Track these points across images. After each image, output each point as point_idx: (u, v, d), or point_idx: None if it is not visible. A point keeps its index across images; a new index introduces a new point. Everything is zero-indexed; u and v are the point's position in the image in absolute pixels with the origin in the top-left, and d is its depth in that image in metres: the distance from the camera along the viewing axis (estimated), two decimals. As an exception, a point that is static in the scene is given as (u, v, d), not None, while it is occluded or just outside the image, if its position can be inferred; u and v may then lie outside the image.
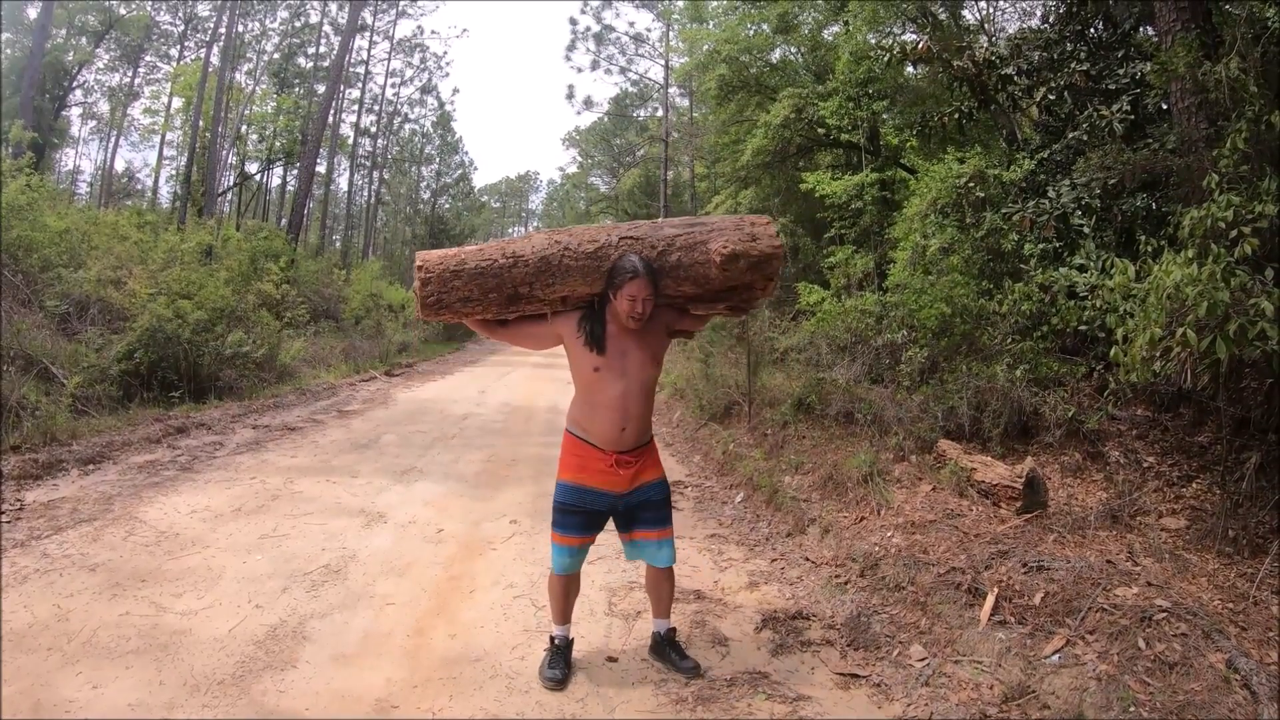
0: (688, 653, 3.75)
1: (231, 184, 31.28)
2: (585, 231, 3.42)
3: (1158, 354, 4.22)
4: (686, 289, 3.42)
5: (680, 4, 27.04)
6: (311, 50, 34.44)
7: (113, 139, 33.86)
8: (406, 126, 44.44)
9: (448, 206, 48.48)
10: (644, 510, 3.55)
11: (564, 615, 3.63)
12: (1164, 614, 3.61)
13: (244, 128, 30.46)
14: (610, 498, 3.49)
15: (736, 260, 3.28)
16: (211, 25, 28.10)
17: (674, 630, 3.78)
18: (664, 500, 3.61)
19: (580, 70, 61.06)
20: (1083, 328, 6.26)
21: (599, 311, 3.40)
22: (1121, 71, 7.75)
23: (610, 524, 3.63)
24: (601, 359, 3.36)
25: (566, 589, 3.61)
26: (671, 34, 29.58)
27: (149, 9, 29.45)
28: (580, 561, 3.59)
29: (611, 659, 3.78)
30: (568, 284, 3.35)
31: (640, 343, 3.41)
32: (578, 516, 3.49)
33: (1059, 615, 3.81)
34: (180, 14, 30.70)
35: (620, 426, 3.41)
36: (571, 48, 33.55)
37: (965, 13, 13.34)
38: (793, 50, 17.21)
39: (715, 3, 21.75)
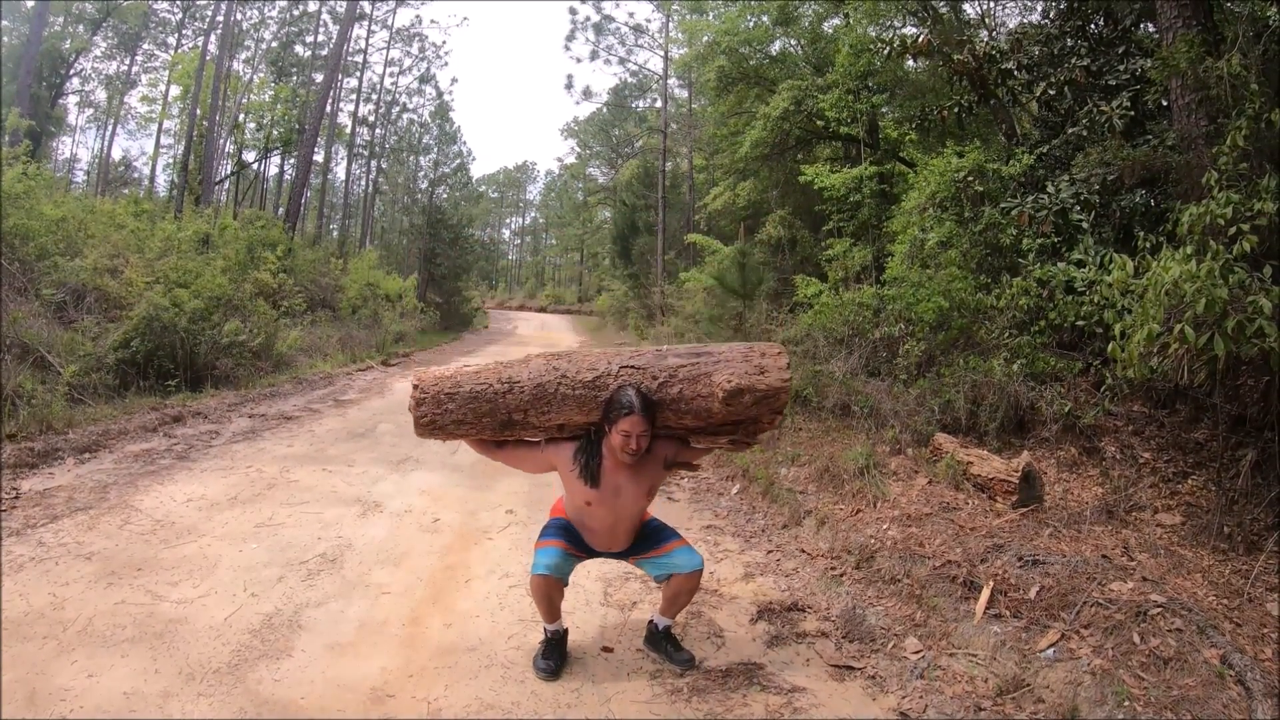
0: (683, 644, 3.75)
1: (229, 173, 31.17)
2: (585, 358, 3.36)
3: (1155, 350, 4.23)
4: (688, 421, 3.34)
5: (680, -5, 26.97)
6: (310, 39, 34.25)
7: (110, 127, 33.67)
8: (404, 116, 44.24)
9: (445, 196, 48.27)
10: (647, 541, 3.61)
11: (551, 615, 3.59)
12: (1159, 609, 3.62)
13: (242, 116, 30.34)
14: (602, 552, 3.63)
15: (741, 395, 3.18)
16: (209, 13, 27.98)
17: (672, 625, 3.78)
18: (660, 525, 3.69)
19: (579, 60, 60.97)
20: (1080, 323, 6.26)
21: (595, 443, 3.36)
22: (1122, 68, 7.74)
23: None
24: (594, 493, 3.36)
25: (548, 590, 3.48)
26: (671, 25, 29.43)
27: (146, -3, 29.33)
28: (566, 569, 3.50)
29: (607, 649, 3.79)
30: (563, 413, 3.31)
31: (635, 477, 3.38)
32: (567, 532, 3.55)
33: (1054, 609, 3.82)
34: (178, 2, 30.56)
35: (607, 545, 3.56)
36: (571, 38, 33.40)
37: (966, 7, 13.33)
38: (792, 43, 17.17)
39: (715, -5, 21.70)
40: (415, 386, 3.39)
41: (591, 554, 3.63)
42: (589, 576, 4.60)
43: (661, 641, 3.72)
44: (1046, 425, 6.22)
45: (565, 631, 3.69)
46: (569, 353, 3.43)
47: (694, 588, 3.65)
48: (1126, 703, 3.09)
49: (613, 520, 3.44)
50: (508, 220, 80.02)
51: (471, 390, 3.30)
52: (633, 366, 3.28)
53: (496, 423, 3.35)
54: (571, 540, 3.53)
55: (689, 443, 3.56)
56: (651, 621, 3.78)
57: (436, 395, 3.34)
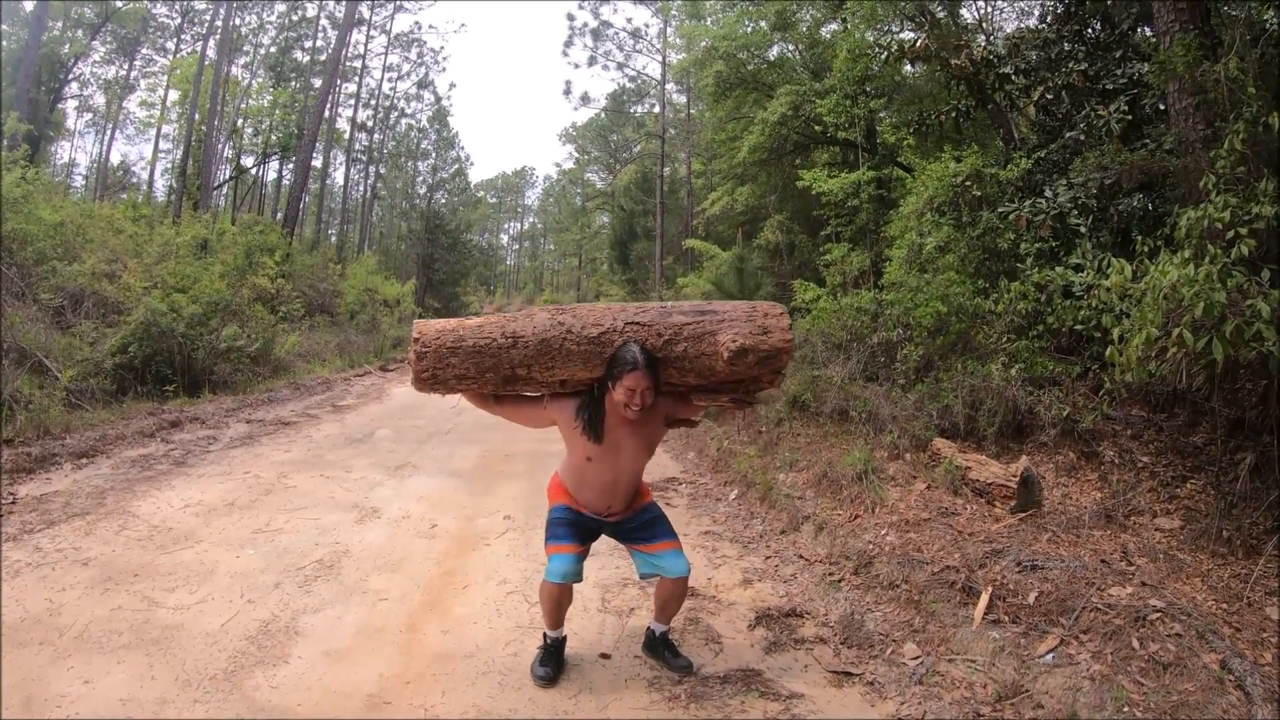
0: (680, 650, 3.74)
1: (227, 177, 31.21)
2: (590, 313, 3.31)
3: (1153, 354, 4.22)
4: (690, 379, 3.33)
5: (678, 0, 27.01)
6: (308, 44, 34.34)
7: (108, 132, 33.67)
8: (403, 121, 44.37)
9: (444, 201, 48.36)
10: (644, 529, 3.57)
11: (556, 622, 3.59)
12: (1158, 614, 3.61)
13: (240, 121, 30.40)
14: (600, 521, 3.56)
15: (745, 355, 3.16)
16: (208, 18, 27.99)
17: (670, 630, 3.77)
18: (660, 517, 3.63)
19: (578, 66, 61.24)
20: (1078, 327, 6.25)
21: (598, 399, 3.33)
22: (1119, 72, 7.75)
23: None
24: (596, 449, 3.34)
25: (560, 598, 3.50)
26: (669, 30, 29.54)
27: (145, 2, 29.31)
28: (576, 573, 3.47)
29: (604, 656, 3.78)
30: (567, 368, 3.27)
31: (636, 433, 3.37)
32: (571, 527, 3.51)
33: (1053, 614, 3.81)
34: (177, 7, 30.58)
35: (606, 505, 3.51)
36: (569, 43, 33.50)
37: (963, 11, 13.36)
38: (790, 47, 17.21)
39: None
40: (416, 339, 3.32)
41: (590, 532, 3.58)
42: (587, 583, 4.57)
43: (659, 648, 3.70)
44: (1045, 429, 6.21)
45: (564, 638, 3.67)
46: (573, 307, 3.39)
47: (682, 593, 3.64)
48: (1126, 708, 3.08)
49: (613, 476, 3.42)
50: (506, 225, 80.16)
51: (475, 344, 3.25)
52: (638, 323, 3.25)
53: (500, 378, 3.31)
54: (577, 534, 3.51)
55: (689, 400, 3.55)
56: (649, 628, 3.77)
57: (439, 349, 3.28)
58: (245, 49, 32.21)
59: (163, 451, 7.48)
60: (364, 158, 40.52)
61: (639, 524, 3.58)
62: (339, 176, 42.42)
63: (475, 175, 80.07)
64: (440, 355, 3.27)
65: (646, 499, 3.67)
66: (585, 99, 45.80)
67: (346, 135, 37.22)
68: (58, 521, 5.31)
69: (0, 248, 10.25)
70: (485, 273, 60.37)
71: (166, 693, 3.21)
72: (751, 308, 3.32)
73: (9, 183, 11.81)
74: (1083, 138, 7.69)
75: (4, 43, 23.55)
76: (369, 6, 34.90)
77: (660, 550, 3.52)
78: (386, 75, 39.47)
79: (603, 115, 42.60)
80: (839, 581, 4.75)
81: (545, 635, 3.61)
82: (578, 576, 3.46)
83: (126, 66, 31.74)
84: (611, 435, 3.32)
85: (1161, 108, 7.34)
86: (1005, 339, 6.98)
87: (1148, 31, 8.16)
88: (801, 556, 5.25)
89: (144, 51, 31.84)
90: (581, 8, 36.68)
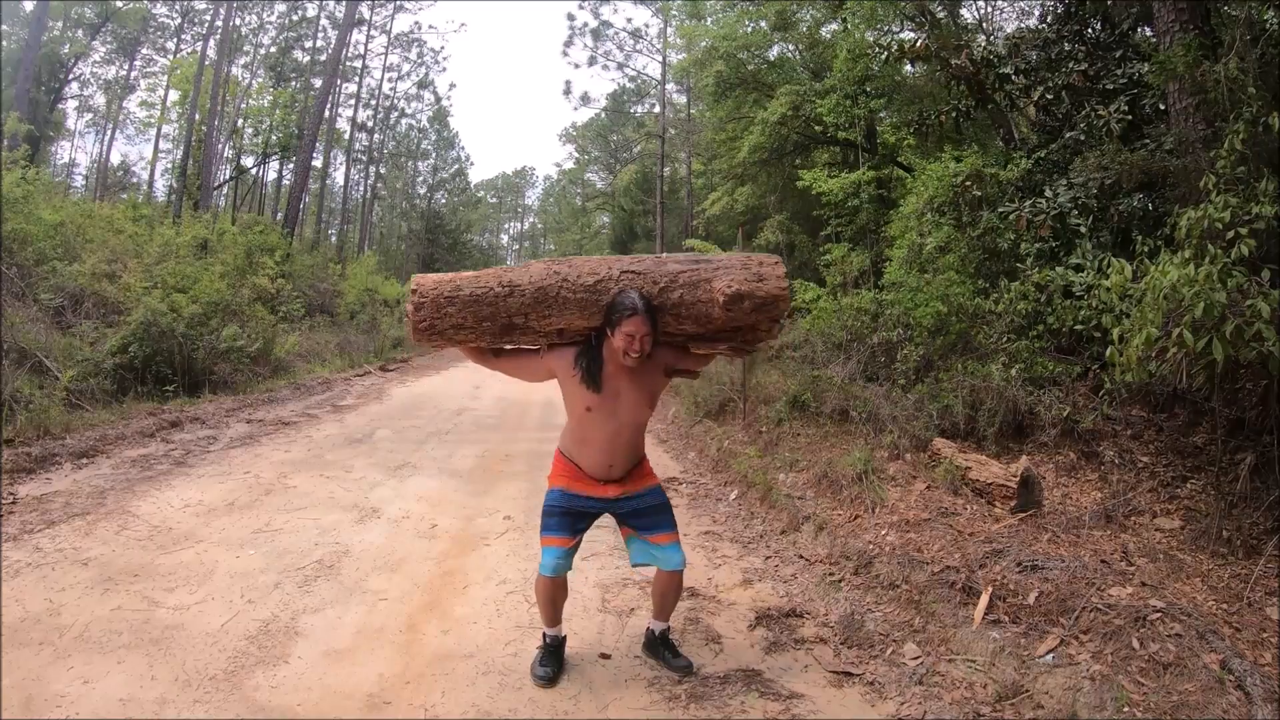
0: (680, 650, 3.73)
1: (227, 178, 31.23)
2: (585, 263, 3.32)
3: (1153, 354, 4.22)
4: (687, 327, 3.32)
5: (678, 0, 27.01)
6: (309, 44, 34.40)
7: (109, 132, 33.73)
8: (403, 121, 44.44)
9: (444, 201, 48.42)
10: (645, 515, 3.51)
11: (553, 619, 3.59)
12: (1158, 614, 3.61)
13: (240, 121, 30.40)
14: (601, 502, 3.48)
15: (741, 301, 3.16)
16: (208, 18, 28.03)
17: (669, 629, 3.77)
18: (663, 504, 3.56)
19: (578, 66, 61.20)
20: (1079, 327, 6.26)
21: (595, 348, 3.32)
22: (1119, 72, 7.76)
23: (603, 520, 3.61)
24: (595, 398, 3.31)
25: (553, 593, 3.52)
26: (669, 30, 29.54)
27: (146, 2, 29.32)
28: (566, 565, 3.49)
29: (604, 656, 3.77)
30: (564, 316, 3.27)
31: (636, 383, 3.34)
32: (566, 517, 3.46)
33: (1053, 615, 3.81)
34: (177, 7, 30.59)
35: (608, 464, 3.42)
36: (569, 43, 33.52)
37: (963, 11, 13.35)
38: (790, 47, 17.22)
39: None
40: (414, 291, 3.31)
41: (584, 519, 3.53)
42: (587, 583, 4.59)
43: (659, 648, 3.70)
44: (1045, 430, 6.22)
45: (563, 638, 3.67)
46: (569, 259, 3.38)
47: (678, 587, 3.63)
48: (1126, 708, 3.08)
49: (614, 428, 3.36)
50: (506, 225, 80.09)
51: (472, 294, 3.24)
52: (633, 272, 3.25)
53: (497, 327, 3.30)
54: (568, 525, 3.47)
55: (689, 350, 3.54)
56: (649, 628, 3.77)
57: (436, 299, 3.27)
58: (245, 49, 32.25)
59: (163, 451, 7.48)
60: (364, 158, 40.57)
61: (645, 507, 3.52)
62: (339, 176, 42.53)
63: (475, 175, 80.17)
64: (438, 305, 3.27)
65: (652, 479, 3.60)
66: (585, 99, 45.88)
67: (347, 135, 37.26)
68: (58, 521, 5.31)
69: (0, 248, 10.24)
70: (485, 273, 60.26)
71: (166, 693, 3.21)
72: (747, 257, 3.34)
73: (9, 183, 11.81)
74: (1083, 138, 7.69)
75: (4, 42, 23.57)
76: (369, 6, 34.95)
77: (661, 542, 3.50)
78: (386, 75, 39.57)
79: (603, 115, 42.63)
80: (839, 582, 4.75)
81: (544, 635, 3.61)
82: (561, 570, 3.46)
83: (127, 66, 31.79)
84: (610, 384, 3.31)
85: (1162, 108, 7.34)
86: (1005, 339, 6.98)
87: (1148, 31, 8.18)
88: (802, 556, 5.25)
89: (144, 51, 31.90)
90: (582, 8, 36.73)
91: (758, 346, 3.60)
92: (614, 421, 3.35)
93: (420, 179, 48.35)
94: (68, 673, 3.31)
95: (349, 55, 33.19)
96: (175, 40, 31.73)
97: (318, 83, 30.01)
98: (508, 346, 3.49)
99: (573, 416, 3.45)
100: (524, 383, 3.68)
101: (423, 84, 42.44)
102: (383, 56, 38.71)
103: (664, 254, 3.43)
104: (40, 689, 3.17)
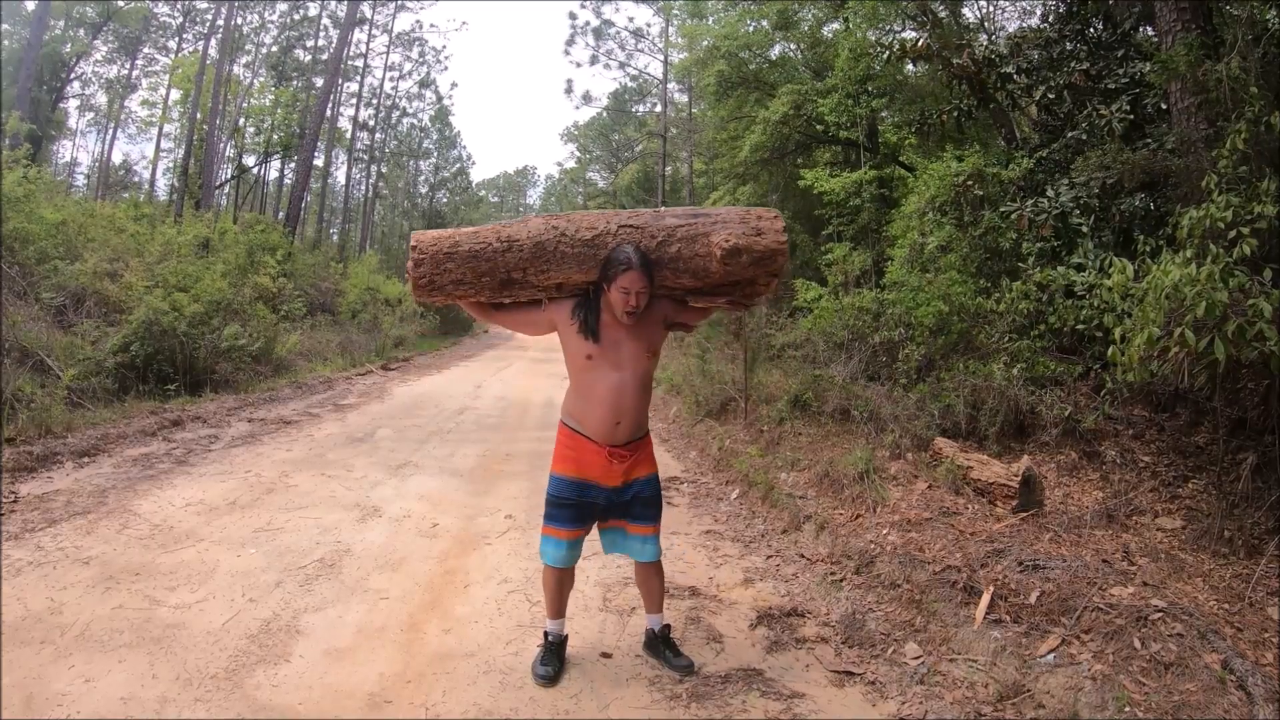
0: (682, 650, 3.73)
1: (229, 177, 31.25)
2: (584, 218, 3.34)
3: (1155, 354, 4.22)
4: (685, 281, 3.33)
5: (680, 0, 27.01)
6: (310, 43, 34.41)
7: (110, 131, 33.78)
8: (405, 120, 44.45)
9: (445, 201, 48.45)
10: (635, 506, 3.48)
11: (557, 610, 3.60)
12: (1160, 614, 3.61)
13: (242, 120, 30.42)
14: (605, 492, 3.43)
15: (739, 255, 3.19)
16: (210, 17, 28.08)
17: (669, 627, 3.76)
18: (656, 496, 3.54)
19: (579, 65, 61.11)
20: (1080, 327, 6.25)
21: (594, 300, 3.33)
22: (1121, 71, 7.75)
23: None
24: (595, 347, 3.30)
25: (560, 582, 3.55)
26: (671, 29, 29.56)
27: (147, 2, 29.34)
28: (575, 556, 3.52)
29: (605, 655, 3.77)
30: (562, 270, 3.29)
31: (635, 334, 3.34)
32: (571, 509, 3.44)
33: (1054, 614, 3.81)
34: (179, 6, 30.61)
35: (615, 420, 3.35)
36: (571, 42, 33.61)
37: (965, 10, 13.35)
38: (792, 47, 17.21)
39: (715, -1, 21.74)
40: (414, 248, 3.34)
41: (590, 511, 3.48)
42: (588, 582, 4.59)
43: (660, 647, 3.69)
44: (1046, 429, 6.22)
45: (565, 637, 3.67)
46: (567, 214, 3.41)
47: (659, 576, 3.63)
48: (1127, 708, 3.07)
49: (617, 380, 3.32)
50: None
51: (470, 249, 3.27)
52: (631, 226, 3.28)
53: (496, 281, 3.32)
54: (572, 517, 3.45)
55: (688, 304, 3.55)
56: (649, 629, 3.76)
57: (435, 255, 3.30)
58: (247, 48, 32.27)
59: (164, 450, 7.48)
60: (366, 157, 40.61)
61: (645, 497, 3.49)
62: (341, 176, 42.58)
63: (477, 174, 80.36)
64: (437, 260, 3.30)
65: (653, 465, 3.57)
66: (587, 98, 46.02)
67: (348, 134, 37.29)
68: (59, 520, 5.30)
69: (0, 247, 10.25)
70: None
71: (167, 691, 3.21)
72: (745, 211, 3.35)
73: (11, 181, 11.82)
74: (1084, 137, 7.68)
75: (5, 42, 23.59)
76: (370, 6, 34.98)
77: (642, 533, 3.50)
78: (388, 74, 39.63)
79: (604, 114, 42.66)
80: (840, 581, 4.74)
81: (546, 635, 3.62)
82: (570, 561, 3.49)
83: (128, 66, 31.82)
84: (608, 334, 3.32)
85: (1163, 107, 7.33)
86: (1007, 339, 6.98)
87: (1149, 31, 8.17)
88: (803, 556, 5.25)
89: (146, 51, 31.93)
90: (584, 7, 36.80)
91: (756, 301, 3.60)
92: (617, 373, 3.33)
93: (422, 178, 48.41)
94: (69, 671, 3.31)
95: (350, 54, 33.25)
96: (177, 39, 31.78)
97: (319, 82, 30.02)
98: (507, 301, 3.50)
99: (574, 371, 3.42)
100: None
101: (424, 83, 42.49)
102: (384, 55, 38.81)
103: (662, 208, 3.44)
104: (41, 688, 3.17)
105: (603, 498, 3.45)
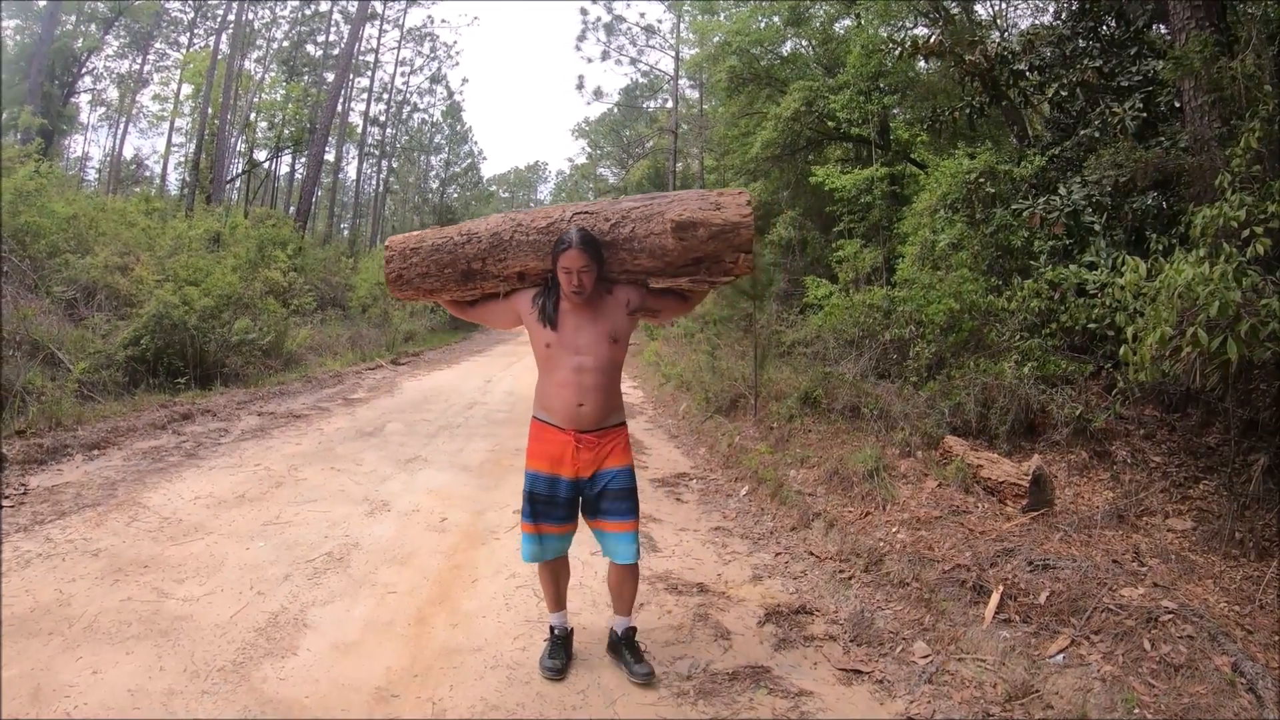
0: (645, 656, 3.61)
1: (240, 171, 31.33)
2: (541, 209, 3.42)
3: (1167, 353, 4.19)
4: (644, 261, 3.30)
5: (691, -4, 26.95)
6: (321, 38, 34.49)
7: (121, 126, 33.86)
8: (415, 116, 44.45)
9: (456, 196, 48.46)
10: (605, 499, 3.41)
11: (556, 602, 3.60)
12: (1170, 616, 3.58)
13: (253, 115, 30.49)
14: (577, 485, 3.40)
15: (693, 229, 3.15)
16: (221, 13, 28.16)
17: (633, 630, 3.66)
18: (627, 490, 3.44)
19: (590, 61, 61.17)
20: (1092, 326, 6.22)
21: (553, 288, 3.35)
22: (1134, 69, 7.70)
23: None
24: (553, 335, 3.32)
25: (553, 576, 3.57)
26: (682, 25, 29.49)
27: (159, -3, 29.44)
28: (553, 550, 3.49)
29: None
30: (519, 259, 3.35)
31: (595, 318, 3.33)
32: (543, 505, 3.43)
33: (1064, 615, 3.79)
34: (190, 2, 30.72)
35: (577, 402, 3.33)
36: (582, 38, 33.50)
37: (977, 8, 13.30)
38: (803, 43, 17.16)
39: (726, -5, 21.68)
40: (387, 247, 3.61)
41: (566, 506, 3.44)
42: (595, 577, 4.58)
43: (621, 649, 3.60)
44: (1057, 429, 6.19)
45: (571, 631, 3.67)
46: (530, 209, 3.50)
47: (634, 579, 3.58)
48: (1136, 710, 3.06)
49: (576, 363, 3.31)
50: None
51: (433, 244, 3.47)
52: (586, 212, 3.32)
53: (458, 273, 3.46)
54: (543, 512, 3.43)
55: (653, 290, 3.49)
56: (611, 629, 3.68)
57: (403, 251, 3.54)
58: (258, 43, 32.35)
59: (174, 443, 7.51)
60: (376, 152, 40.68)
61: (616, 490, 3.42)
62: (351, 171, 42.65)
63: (488, 170, 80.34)
64: (404, 256, 3.54)
65: (627, 458, 3.49)
66: (598, 94, 45.82)
67: (359, 129, 37.34)
68: (69, 512, 5.33)
69: (1, 241, 10.29)
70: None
71: (175, 684, 3.22)
72: (706, 191, 3.33)
73: (23, 176, 11.88)
74: (1097, 135, 7.64)
75: (17, 37, 23.70)
76: (382, 1, 35.00)
77: (617, 530, 3.44)
78: (399, 70, 39.63)
79: (615, 110, 42.56)
80: (849, 579, 4.73)
81: (552, 628, 3.61)
82: (545, 554, 3.49)
83: (140, 61, 31.91)
84: (567, 321, 3.33)
85: (1177, 105, 7.28)
86: (1018, 337, 6.95)
87: (1163, 29, 8.10)
88: (812, 553, 5.23)
89: (157, 46, 32.05)
90: (595, 3, 36.57)
91: (727, 280, 3.48)
92: (576, 357, 3.32)
93: (432, 173, 48.40)
94: (76, 663, 3.33)
95: (361, 50, 33.29)
96: (188, 35, 31.90)
97: (330, 77, 30.07)
98: (477, 294, 3.58)
99: (539, 361, 3.45)
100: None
101: (435, 78, 42.46)
102: (395, 51, 38.91)
103: (623, 196, 3.48)
104: (49, 679, 3.18)
105: (574, 491, 3.43)
